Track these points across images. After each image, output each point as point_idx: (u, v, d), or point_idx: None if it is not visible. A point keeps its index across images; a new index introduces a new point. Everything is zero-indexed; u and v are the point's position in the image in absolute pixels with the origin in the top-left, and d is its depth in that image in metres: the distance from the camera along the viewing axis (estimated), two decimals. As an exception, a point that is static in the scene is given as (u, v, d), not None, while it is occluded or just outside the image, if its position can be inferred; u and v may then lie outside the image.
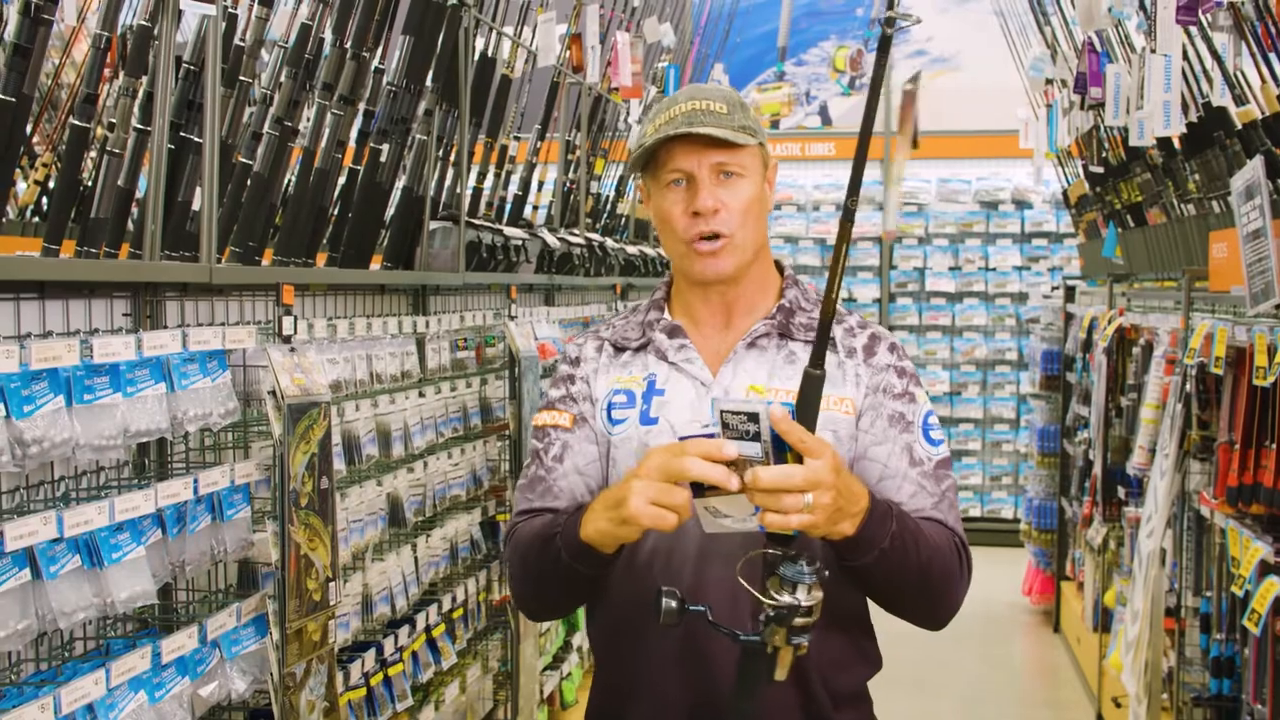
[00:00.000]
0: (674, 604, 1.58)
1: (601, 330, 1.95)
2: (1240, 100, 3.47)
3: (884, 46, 1.63)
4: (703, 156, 1.78)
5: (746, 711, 1.63)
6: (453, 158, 3.57)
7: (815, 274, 9.93)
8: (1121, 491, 4.84)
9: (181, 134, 2.39)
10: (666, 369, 1.85)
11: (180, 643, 2.02)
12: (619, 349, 1.89)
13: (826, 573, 1.55)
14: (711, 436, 1.55)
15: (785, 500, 1.51)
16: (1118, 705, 4.80)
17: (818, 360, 1.58)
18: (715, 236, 1.79)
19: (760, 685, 1.61)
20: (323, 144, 2.85)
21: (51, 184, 3.77)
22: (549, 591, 1.81)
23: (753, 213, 1.81)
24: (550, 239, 4.19)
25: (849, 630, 1.85)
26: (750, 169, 1.81)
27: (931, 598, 1.76)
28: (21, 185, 3.94)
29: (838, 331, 1.87)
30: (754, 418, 1.51)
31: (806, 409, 1.57)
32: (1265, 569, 2.85)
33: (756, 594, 1.54)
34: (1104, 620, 5.31)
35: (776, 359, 1.82)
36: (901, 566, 1.67)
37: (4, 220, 3.20)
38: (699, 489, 1.56)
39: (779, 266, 1.94)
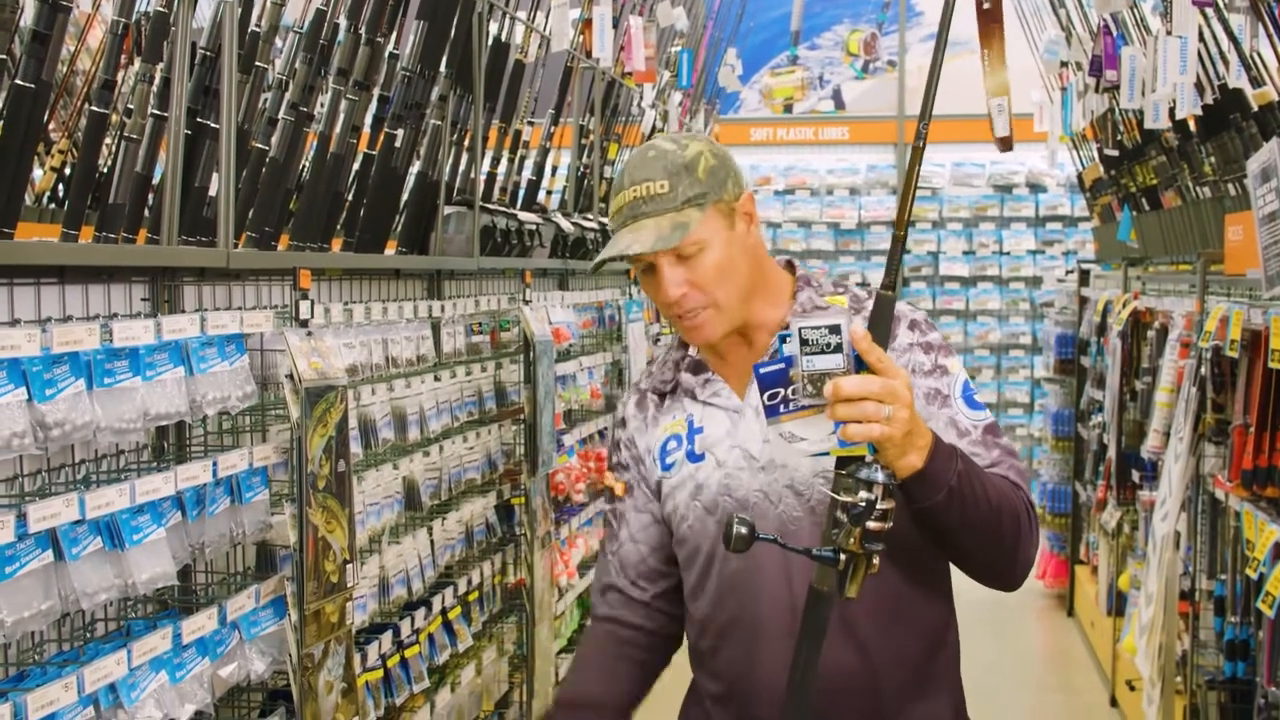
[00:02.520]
0: (744, 530, 1.61)
1: (641, 382, 2.00)
2: (1257, 82, 3.45)
3: None
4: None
5: (811, 664, 1.63)
6: (467, 142, 3.57)
7: (829, 258, 9.91)
8: (1136, 475, 4.83)
9: (198, 120, 2.41)
10: (700, 408, 1.89)
11: (200, 624, 2.05)
12: (661, 396, 1.95)
13: (897, 482, 1.58)
14: (786, 362, 1.58)
15: (867, 407, 1.54)
16: (1132, 689, 4.81)
17: (890, 282, 1.62)
18: (695, 312, 1.78)
19: (824, 631, 1.62)
20: (338, 129, 2.86)
21: (68, 171, 3.78)
22: None
23: (725, 272, 1.78)
24: (564, 223, 4.20)
25: (923, 617, 1.86)
26: (709, 236, 1.76)
27: (1005, 547, 1.75)
28: (38, 172, 3.96)
29: (856, 321, 1.88)
30: (835, 329, 1.56)
31: (880, 330, 1.60)
32: (1280, 552, 2.85)
33: (831, 494, 1.57)
34: (1118, 604, 5.31)
35: None
36: (972, 507, 1.67)
37: (22, 206, 3.21)
38: (773, 411, 1.60)
39: (791, 266, 1.94)
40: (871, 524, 1.55)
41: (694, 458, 1.86)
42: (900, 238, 1.62)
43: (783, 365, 1.58)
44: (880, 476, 1.56)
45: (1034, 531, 1.78)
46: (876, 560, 1.57)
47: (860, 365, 1.57)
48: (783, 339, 1.59)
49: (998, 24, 2.64)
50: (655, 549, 1.94)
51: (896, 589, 1.79)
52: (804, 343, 1.56)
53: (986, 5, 2.55)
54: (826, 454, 1.60)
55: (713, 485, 1.83)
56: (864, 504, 1.55)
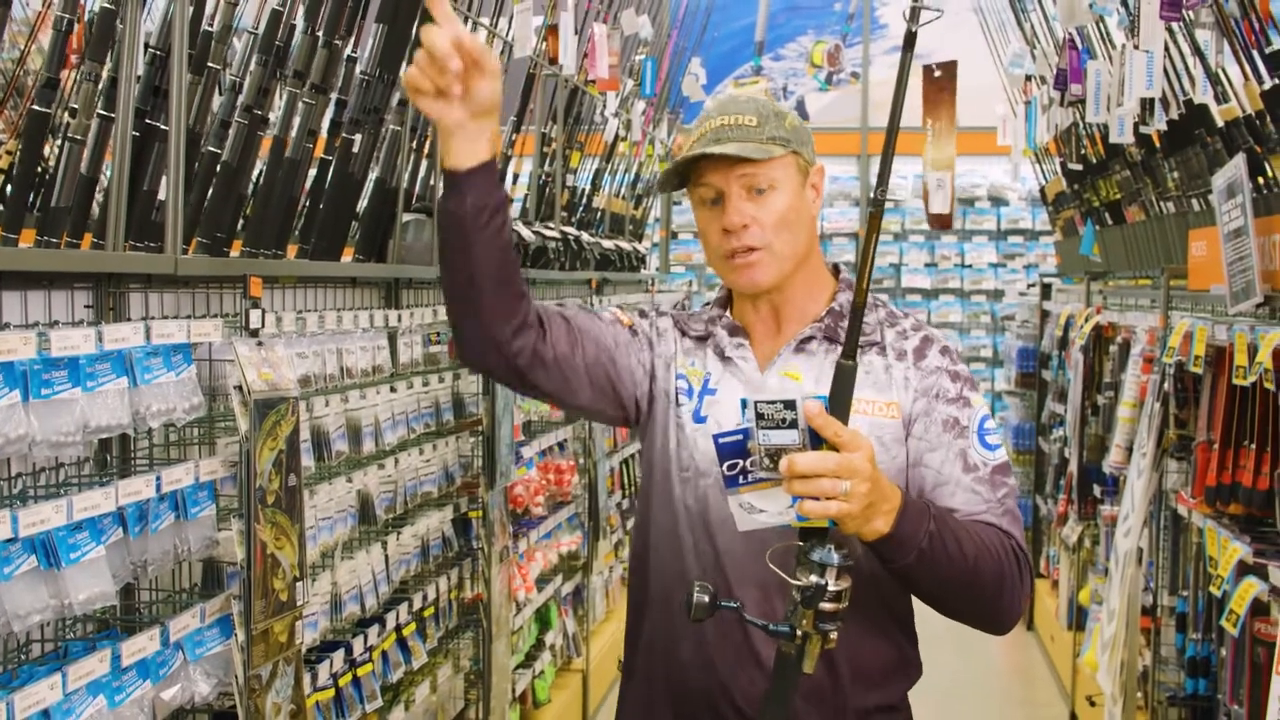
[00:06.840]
0: (705, 599, 1.60)
1: (672, 312, 1.99)
2: (1222, 98, 3.45)
3: (909, 43, 1.66)
4: (730, 173, 1.80)
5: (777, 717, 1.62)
6: (426, 149, 3.51)
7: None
8: (1097, 489, 4.83)
9: (146, 121, 2.33)
10: (721, 368, 1.88)
11: (141, 645, 1.97)
12: (684, 334, 1.94)
13: (852, 563, 1.55)
14: (744, 434, 1.55)
15: (823, 484, 1.51)
16: (1092, 704, 4.80)
17: (850, 351, 1.59)
18: (750, 250, 1.81)
19: (793, 693, 1.60)
20: (293, 133, 2.79)
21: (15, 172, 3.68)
22: (449, 254, 1.94)
23: (789, 223, 1.82)
24: (525, 232, 4.14)
25: (890, 637, 1.85)
26: (783, 180, 1.82)
27: (985, 600, 1.74)
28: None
29: (890, 335, 1.87)
30: (790, 405, 1.52)
31: (839, 401, 1.57)
32: (1243, 569, 2.84)
33: (784, 576, 1.54)
34: (1078, 618, 5.31)
35: (824, 364, 1.82)
36: (946, 566, 1.65)
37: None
38: (733, 482, 1.57)
39: (836, 269, 1.94)
40: (825, 605, 1.53)
41: (698, 418, 1.87)
42: (860, 306, 1.60)
43: (740, 436, 1.56)
44: (835, 559, 1.53)
45: (1023, 579, 1.77)
46: (834, 635, 1.55)
47: (819, 440, 1.53)
48: (744, 405, 1.56)
49: (948, 94, 2.62)
50: (597, 375, 1.90)
51: (864, 599, 1.77)
52: (759, 417, 1.53)
53: (938, 74, 2.55)
54: (787, 526, 1.57)
55: (710, 452, 1.80)
56: (813, 588, 1.52)
